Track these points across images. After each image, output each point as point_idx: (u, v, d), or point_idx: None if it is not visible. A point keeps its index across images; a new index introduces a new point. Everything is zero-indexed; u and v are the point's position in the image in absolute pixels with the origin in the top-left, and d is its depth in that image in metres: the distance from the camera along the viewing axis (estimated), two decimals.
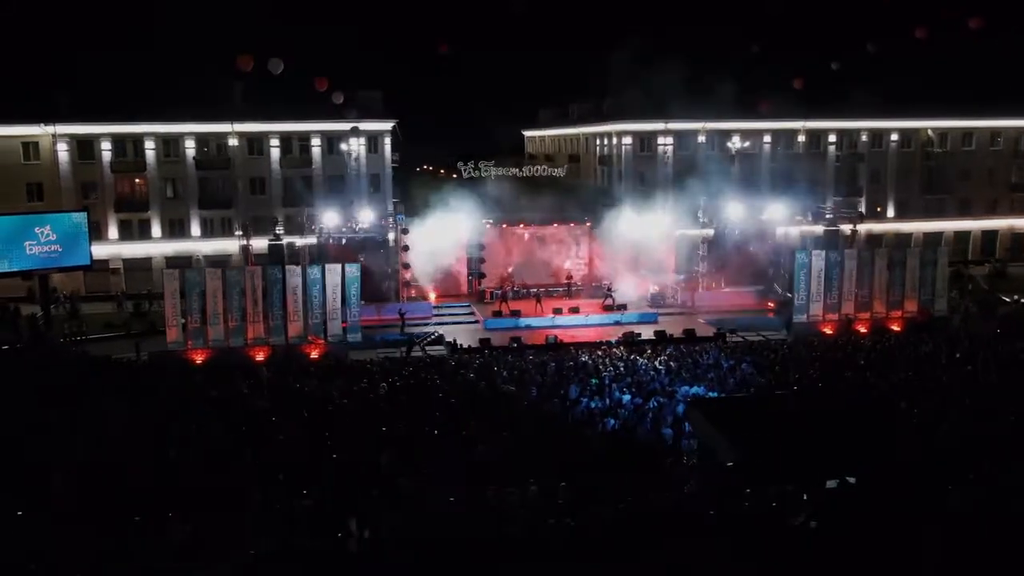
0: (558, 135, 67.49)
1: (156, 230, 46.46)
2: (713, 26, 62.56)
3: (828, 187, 52.66)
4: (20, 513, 13.95)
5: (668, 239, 42.43)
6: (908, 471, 16.61)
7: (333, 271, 32.99)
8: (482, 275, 40.78)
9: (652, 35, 66.38)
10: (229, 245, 45.00)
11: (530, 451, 18.18)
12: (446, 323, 36.91)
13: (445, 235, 40.36)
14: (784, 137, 52.41)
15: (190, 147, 46.35)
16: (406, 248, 38.59)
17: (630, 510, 15.05)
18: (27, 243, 35.95)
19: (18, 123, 44.13)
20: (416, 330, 35.44)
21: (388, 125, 49.05)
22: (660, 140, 51.10)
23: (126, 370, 28.50)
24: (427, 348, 33.01)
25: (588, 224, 42.41)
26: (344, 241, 37.69)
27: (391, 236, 38.97)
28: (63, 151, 44.77)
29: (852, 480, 16.81)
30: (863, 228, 52.35)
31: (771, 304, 39.00)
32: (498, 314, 37.32)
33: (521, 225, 41.78)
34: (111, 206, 45.76)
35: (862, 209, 53.27)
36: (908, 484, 16.24)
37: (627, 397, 23.66)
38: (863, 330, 35.44)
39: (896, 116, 52.72)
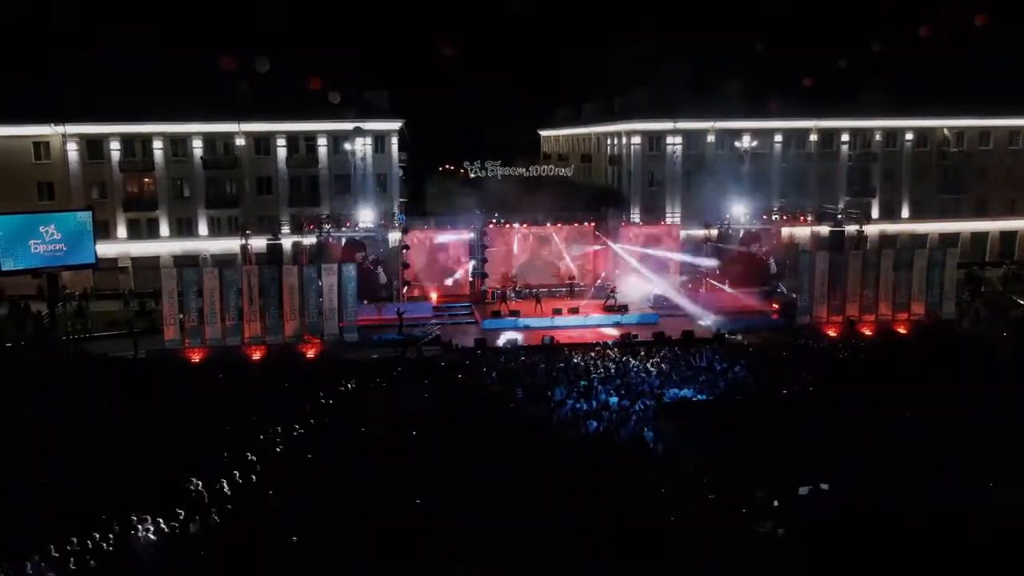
0: (571, 135, 67.18)
1: (164, 229, 46.78)
2: (724, 25, 61.91)
3: (841, 187, 51.85)
4: None
5: (673, 239, 42.02)
6: (888, 478, 16.27)
7: (329, 271, 33.04)
8: (484, 275, 40.61)
9: (662, 34, 65.76)
10: (236, 244, 45.00)
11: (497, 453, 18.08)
12: (446, 323, 36.80)
13: (449, 235, 40.36)
14: (796, 137, 51.68)
15: (198, 147, 46.60)
16: (406, 248, 38.53)
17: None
18: (32, 242, 36.34)
19: (29, 123, 44.61)
20: (416, 330, 35.35)
21: (395, 125, 48.98)
22: (669, 140, 50.59)
23: (120, 368, 28.72)
24: (424, 348, 32.89)
25: (592, 224, 42.09)
26: (344, 240, 37.69)
27: (391, 236, 38.91)
28: (73, 151, 45.21)
29: (825, 487, 16.48)
30: (876, 229, 51.95)
31: (775, 305, 38.49)
32: (497, 314, 37.14)
33: (525, 225, 41.54)
34: (120, 205, 46.13)
35: (876, 209, 52.61)
36: (887, 491, 15.89)
37: (614, 399, 23.44)
38: (868, 332, 34.88)
39: (911, 115, 51.74)
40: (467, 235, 40.35)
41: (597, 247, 41.87)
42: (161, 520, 15.22)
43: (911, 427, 19.09)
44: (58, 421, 21.14)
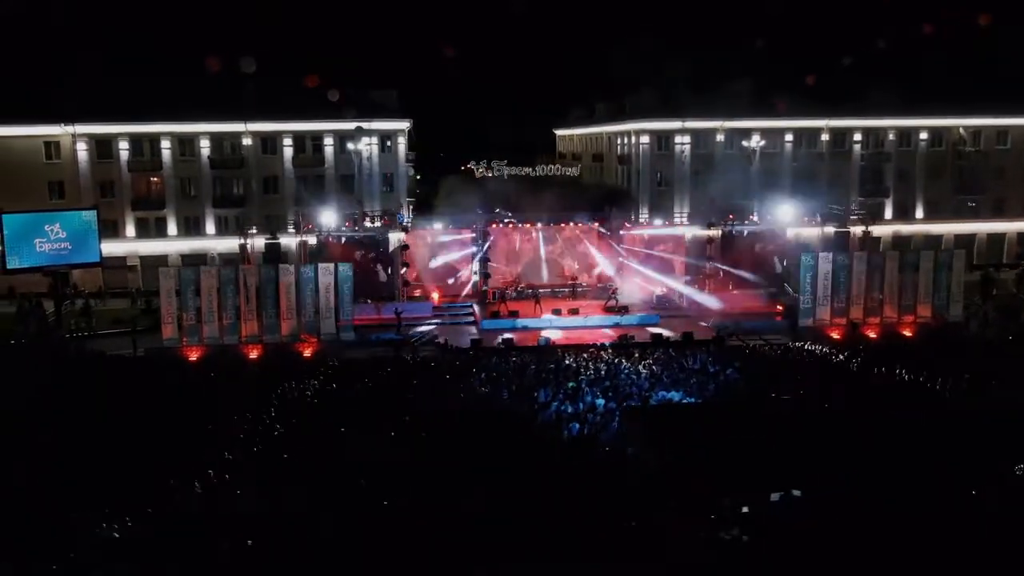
0: (585, 134, 66.88)
1: (172, 228, 47.17)
2: (736, 25, 61.31)
3: (853, 187, 51.05)
4: None
5: (677, 240, 41.63)
6: (867, 485, 15.91)
7: (326, 270, 33.05)
8: (487, 275, 40.45)
9: (673, 33, 65.40)
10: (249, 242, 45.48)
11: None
12: (444, 323, 36.70)
13: (452, 234, 40.28)
14: (807, 136, 50.98)
15: (205, 147, 46.95)
16: (405, 247, 38.49)
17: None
18: (37, 240, 36.80)
19: (40, 123, 45.22)
20: (414, 330, 35.28)
21: (402, 124, 48.99)
22: (677, 139, 50.14)
23: (115, 366, 28.89)
24: (420, 349, 32.81)
25: (597, 224, 41.78)
26: (344, 239, 37.72)
27: (392, 235, 38.88)
28: (82, 150, 45.75)
29: (797, 493, 16.14)
30: (890, 229, 51.14)
31: (780, 307, 37.96)
32: (496, 315, 36.98)
33: (529, 224, 41.34)
34: (128, 204, 46.59)
35: (889, 210, 51.78)
36: (864, 498, 15.54)
37: (600, 401, 23.18)
38: (872, 335, 34.27)
39: (926, 114, 50.80)
40: (470, 235, 40.24)
41: (600, 247, 41.53)
42: (127, 518, 15.26)
43: (898, 431, 18.74)
44: (49, 419, 21.30)
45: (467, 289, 40.56)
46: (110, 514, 15.16)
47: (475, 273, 40.57)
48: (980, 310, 37.04)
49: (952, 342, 31.89)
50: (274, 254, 34.92)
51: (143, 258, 46.63)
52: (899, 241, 50.52)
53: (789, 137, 50.46)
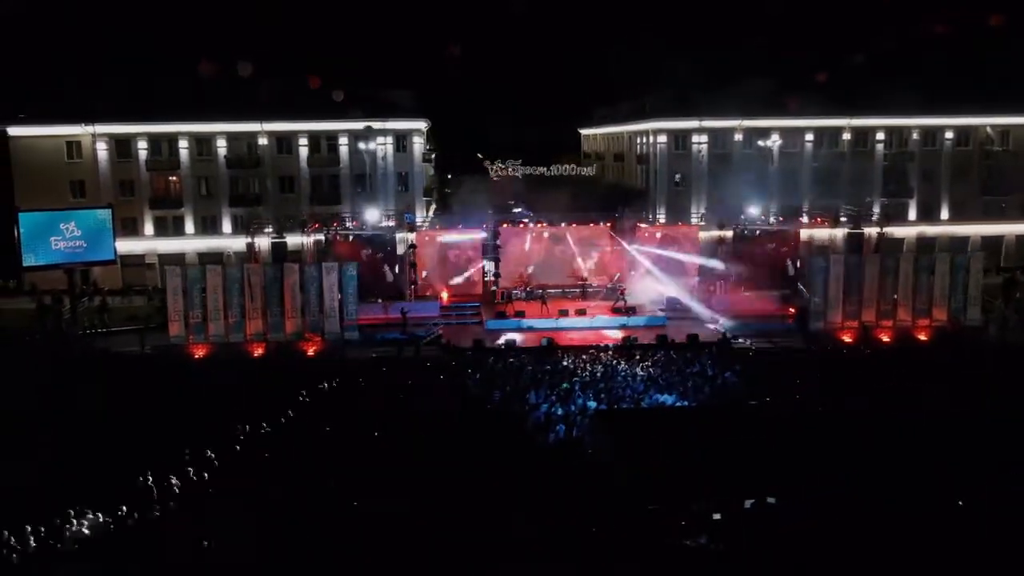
0: (607, 133, 66.47)
1: (189, 226, 47.75)
2: (755, 23, 60.37)
3: (876, 187, 50.01)
4: None
5: (691, 240, 41.09)
6: (848, 491, 15.49)
7: (330, 269, 33.15)
8: (497, 275, 40.30)
9: (691, 32, 64.63)
10: (258, 241, 45.80)
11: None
12: (451, 323, 36.60)
13: (462, 234, 40.16)
14: (828, 135, 50.04)
15: (222, 146, 47.45)
16: (413, 247, 38.48)
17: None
18: (52, 238, 37.30)
19: (62, 123, 46.07)
20: (419, 330, 35.21)
21: (418, 124, 49.06)
22: (695, 138, 49.56)
23: (119, 364, 29.26)
24: (423, 349, 32.73)
25: (608, 224, 41.41)
26: (351, 238, 37.81)
27: (401, 235, 38.89)
28: (102, 150, 46.48)
29: (772, 501, 15.75)
30: (914, 231, 50.04)
31: (792, 309, 37.26)
32: (502, 315, 36.80)
33: (540, 224, 41.10)
34: (147, 203, 47.25)
35: (913, 211, 50.68)
36: (841, 504, 15.14)
37: (592, 404, 22.94)
38: (885, 339, 33.54)
39: (951, 113, 49.59)
40: (480, 234, 40.10)
41: (611, 248, 41.17)
42: (100, 515, 15.37)
43: (890, 435, 18.23)
44: (48, 416, 21.61)
45: (476, 289, 40.44)
46: (80, 512, 15.29)
47: (485, 273, 40.44)
48: (1000, 313, 36.05)
49: (967, 346, 31.11)
50: (281, 253, 35.10)
51: (161, 256, 47.19)
52: (923, 242, 49.37)
53: (809, 136, 49.61)
